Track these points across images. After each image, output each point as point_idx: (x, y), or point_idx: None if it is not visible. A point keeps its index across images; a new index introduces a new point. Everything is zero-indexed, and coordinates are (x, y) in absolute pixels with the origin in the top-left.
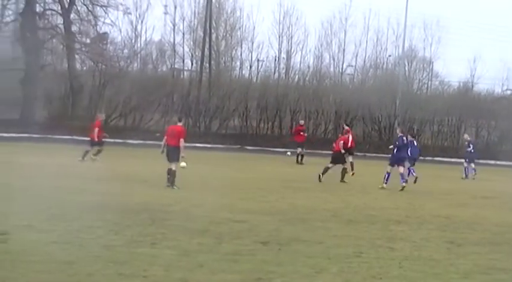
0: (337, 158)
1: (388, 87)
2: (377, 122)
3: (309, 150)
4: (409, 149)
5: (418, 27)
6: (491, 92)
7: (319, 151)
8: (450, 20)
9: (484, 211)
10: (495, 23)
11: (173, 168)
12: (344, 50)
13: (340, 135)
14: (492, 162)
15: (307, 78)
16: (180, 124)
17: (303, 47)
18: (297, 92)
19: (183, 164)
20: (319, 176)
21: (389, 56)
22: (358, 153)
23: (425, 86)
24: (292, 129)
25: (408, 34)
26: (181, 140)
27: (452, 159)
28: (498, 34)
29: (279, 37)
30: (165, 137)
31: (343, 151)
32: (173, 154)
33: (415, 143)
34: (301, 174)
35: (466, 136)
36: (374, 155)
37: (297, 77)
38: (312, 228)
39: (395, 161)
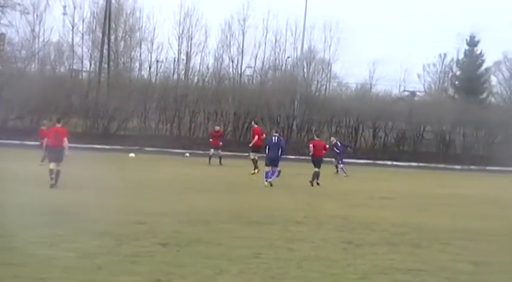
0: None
1: (287, 88)
2: (276, 123)
3: (207, 152)
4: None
5: (318, 29)
6: (389, 93)
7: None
8: (349, 22)
9: (382, 211)
10: (394, 25)
11: (58, 168)
12: (243, 51)
13: (316, 138)
14: (389, 162)
15: (206, 80)
16: (59, 125)
17: (202, 48)
18: (196, 93)
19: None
20: (311, 183)
21: (288, 57)
22: (258, 154)
23: (324, 87)
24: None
25: (307, 36)
26: (65, 140)
27: (350, 160)
28: (397, 36)
29: (179, 38)
30: (46, 139)
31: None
32: (58, 155)
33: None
34: (201, 176)
35: (332, 138)
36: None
37: (196, 78)
38: (212, 230)
39: (269, 162)
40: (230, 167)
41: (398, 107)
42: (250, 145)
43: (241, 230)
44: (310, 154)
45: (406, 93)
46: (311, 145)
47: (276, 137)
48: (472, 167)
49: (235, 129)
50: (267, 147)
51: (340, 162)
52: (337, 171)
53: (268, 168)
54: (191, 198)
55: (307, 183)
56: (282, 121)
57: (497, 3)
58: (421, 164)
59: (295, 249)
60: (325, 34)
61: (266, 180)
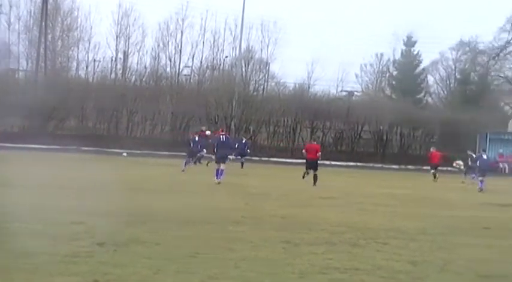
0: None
1: (225, 88)
2: (214, 123)
3: (146, 151)
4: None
5: (256, 29)
6: (327, 93)
7: (157, 152)
8: (288, 21)
9: (320, 211)
10: (333, 26)
11: None
12: (181, 50)
13: (313, 142)
14: (327, 162)
15: (144, 79)
16: None
17: (140, 48)
18: (134, 92)
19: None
20: (314, 183)
21: (227, 57)
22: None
23: (262, 87)
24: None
25: (245, 35)
26: None
27: (288, 160)
28: (335, 36)
29: (117, 37)
30: None
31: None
32: None
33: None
34: (141, 176)
35: (243, 138)
36: (212, 155)
37: (134, 77)
38: (150, 229)
39: (218, 159)
40: (170, 167)
41: (336, 106)
42: None
43: (180, 230)
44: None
45: (344, 93)
46: (304, 149)
47: (224, 136)
48: (409, 166)
49: (173, 128)
50: (216, 146)
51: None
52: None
53: (217, 166)
54: (130, 198)
55: (246, 182)
56: (219, 121)
57: (434, 3)
58: (359, 164)
59: (233, 249)
60: (263, 34)
61: (216, 179)
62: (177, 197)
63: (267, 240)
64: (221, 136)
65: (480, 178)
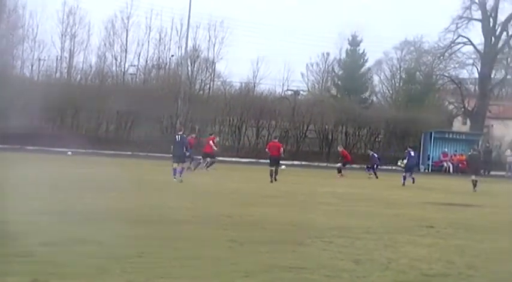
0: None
1: (170, 87)
2: (159, 122)
3: (90, 150)
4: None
5: (202, 28)
6: (273, 92)
7: (102, 151)
8: (234, 21)
9: (266, 210)
10: (278, 25)
11: None
12: (126, 49)
13: (274, 140)
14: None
15: (89, 78)
16: None
17: (85, 47)
18: (80, 91)
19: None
20: (272, 179)
21: (172, 56)
22: (140, 153)
23: (208, 86)
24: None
25: (192, 34)
26: None
27: (233, 159)
28: (281, 36)
29: (62, 36)
30: None
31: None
32: None
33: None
34: (90, 174)
35: (192, 135)
36: (158, 155)
37: (79, 76)
38: (96, 229)
39: (176, 159)
40: (115, 165)
41: (281, 106)
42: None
43: (126, 229)
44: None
45: (290, 92)
46: (267, 147)
47: (180, 136)
48: (354, 165)
49: (119, 128)
50: (173, 145)
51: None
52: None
53: (175, 165)
54: (76, 197)
55: (192, 182)
56: (165, 120)
57: (379, 3)
58: (304, 163)
59: (179, 248)
60: (209, 33)
61: (174, 177)
62: (123, 195)
63: (213, 239)
64: (177, 136)
65: (404, 174)
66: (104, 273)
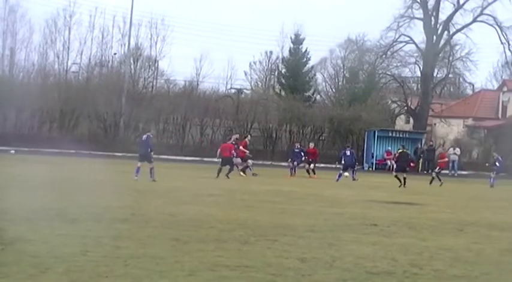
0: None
1: (113, 85)
2: (102, 120)
3: (34, 149)
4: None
5: (144, 26)
6: (216, 90)
7: (46, 150)
8: (176, 18)
9: (209, 208)
10: (221, 24)
11: None
12: (69, 47)
13: (228, 141)
14: (216, 160)
15: (32, 76)
16: None
17: (27, 44)
18: (22, 89)
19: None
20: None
21: (115, 54)
22: (84, 151)
23: (151, 84)
24: None
25: (134, 32)
26: None
27: (178, 157)
28: (224, 34)
29: (3, 33)
30: None
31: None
32: None
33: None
34: (31, 173)
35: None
36: (101, 153)
37: (21, 74)
38: (36, 228)
39: (140, 158)
40: (59, 165)
41: (225, 104)
42: None
43: (67, 228)
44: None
45: (233, 90)
46: (220, 148)
47: (146, 136)
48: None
49: (62, 126)
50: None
51: None
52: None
53: (139, 164)
54: (15, 196)
55: (132, 180)
56: (108, 118)
57: (321, 1)
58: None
59: (122, 247)
60: (152, 31)
61: (136, 176)
62: (64, 195)
63: (156, 237)
64: (144, 135)
65: (341, 172)
66: (47, 272)
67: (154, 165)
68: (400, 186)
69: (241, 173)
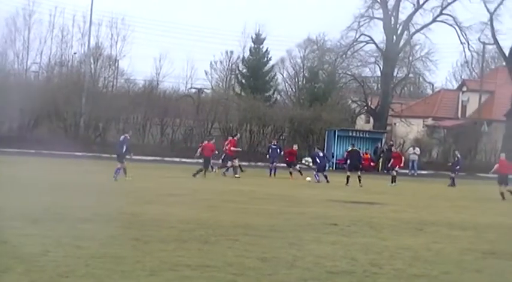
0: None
1: (73, 85)
2: (63, 120)
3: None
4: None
5: (105, 25)
6: (177, 90)
7: (5, 149)
8: (136, 18)
9: (170, 208)
10: (182, 23)
11: None
12: (28, 47)
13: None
14: (177, 159)
15: None
16: None
17: None
18: None
19: None
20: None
21: (75, 53)
22: (44, 151)
23: (111, 83)
24: None
25: (94, 32)
26: None
27: (138, 157)
28: (184, 34)
29: None
30: None
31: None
32: None
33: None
34: None
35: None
36: (62, 153)
37: None
38: None
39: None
40: (19, 165)
41: (185, 103)
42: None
43: (28, 228)
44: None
45: (194, 90)
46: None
47: (123, 137)
48: (259, 163)
49: (22, 126)
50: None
51: None
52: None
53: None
54: None
55: (95, 180)
56: (68, 118)
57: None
58: None
59: (83, 247)
60: (112, 31)
61: (114, 176)
62: (27, 194)
63: (116, 237)
64: (121, 136)
65: (315, 173)
66: (8, 271)
67: (124, 166)
68: (346, 184)
69: (223, 173)
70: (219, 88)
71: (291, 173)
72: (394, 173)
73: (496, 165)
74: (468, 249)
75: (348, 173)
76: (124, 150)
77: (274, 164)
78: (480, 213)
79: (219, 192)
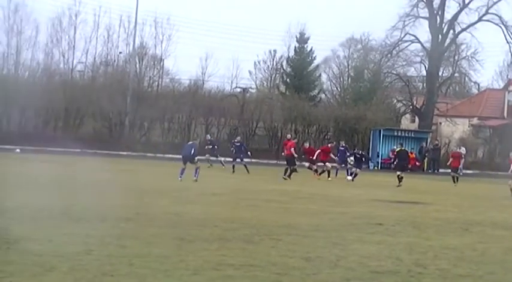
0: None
1: (118, 84)
2: (108, 119)
3: (39, 148)
4: None
5: (149, 25)
6: (222, 89)
7: (50, 148)
8: (181, 18)
9: (213, 208)
10: (226, 23)
11: None
12: (74, 46)
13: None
14: (222, 158)
15: (37, 75)
16: None
17: (33, 44)
18: (27, 88)
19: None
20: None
21: (120, 53)
22: (89, 150)
23: (156, 83)
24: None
25: (139, 31)
26: None
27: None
28: (229, 33)
29: (8, 33)
30: None
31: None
32: None
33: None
34: (31, 173)
35: (208, 136)
36: (105, 152)
37: (27, 73)
38: (41, 227)
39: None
40: (64, 164)
41: (230, 103)
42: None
43: (71, 227)
44: None
45: (238, 89)
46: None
47: (192, 143)
48: (304, 163)
49: (66, 125)
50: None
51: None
52: None
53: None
54: (20, 195)
55: (139, 179)
56: (113, 117)
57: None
58: (253, 160)
59: (126, 246)
60: (157, 30)
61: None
62: (71, 194)
63: (160, 237)
64: (189, 142)
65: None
66: (52, 270)
67: (198, 166)
68: (399, 184)
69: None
70: (264, 87)
71: (316, 171)
72: (461, 174)
73: None
74: None
75: (398, 173)
76: (192, 152)
77: (238, 160)
78: None
79: (261, 192)
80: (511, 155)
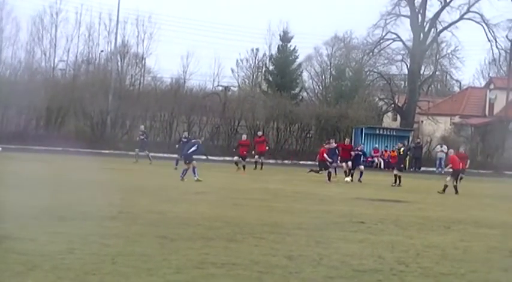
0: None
1: (100, 82)
2: (89, 118)
3: (20, 146)
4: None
5: (131, 23)
6: (204, 88)
7: (32, 147)
8: (162, 16)
9: (196, 206)
10: (208, 21)
11: None
12: (55, 45)
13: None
14: (203, 157)
15: (18, 73)
16: None
17: (14, 42)
18: (8, 87)
19: None
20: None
21: (102, 51)
22: (71, 149)
23: (138, 81)
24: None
25: (121, 30)
26: None
27: (165, 155)
28: (210, 32)
29: None
30: None
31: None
32: None
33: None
34: (13, 172)
35: (141, 127)
36: (87, 150)
37: (8, 72)
38: (23, 225)
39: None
40: (43, 162)
41: (212, 101)
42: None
43: (54, 226)
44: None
45: (220, 88)
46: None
47: (196, 141)
48: (286, 161)
49: (48, 123)
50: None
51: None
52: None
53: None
54: (3, 194)
55: (120, 178)
56: (95, 116)
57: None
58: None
59: (109, 245)
60: (138, 28)
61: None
62: (50, 192)
63: (143, 235)
64: (193, 140)
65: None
66: (34, 269)
67: (195, 165)
68: (393, 185)
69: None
70: (246, 86)
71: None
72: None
73: None
74: (495, 248)
75: (401, 174)
76: (190, 151)
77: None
78: (506, 212)
79: (244, 190)
80: (450, 152)
